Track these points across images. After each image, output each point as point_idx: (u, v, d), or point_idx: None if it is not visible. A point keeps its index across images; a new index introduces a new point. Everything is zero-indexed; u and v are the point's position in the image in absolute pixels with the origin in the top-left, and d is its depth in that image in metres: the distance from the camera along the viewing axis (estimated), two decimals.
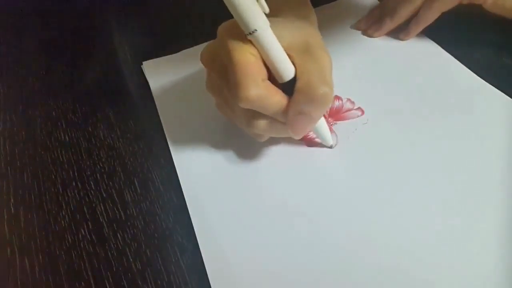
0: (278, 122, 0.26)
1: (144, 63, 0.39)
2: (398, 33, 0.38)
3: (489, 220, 0.25)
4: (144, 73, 0.38)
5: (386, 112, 0.32)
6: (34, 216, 0.29)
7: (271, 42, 0.24)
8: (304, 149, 0.31)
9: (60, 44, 0.44)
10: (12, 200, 0.30)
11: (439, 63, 0.36)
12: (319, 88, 0.23)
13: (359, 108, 0.33)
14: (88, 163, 0.32)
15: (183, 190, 0.29)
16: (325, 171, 0.29)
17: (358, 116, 0.32)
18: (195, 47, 0.39)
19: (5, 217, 0.29)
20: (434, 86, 0.34)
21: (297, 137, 0.27)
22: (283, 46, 0.24)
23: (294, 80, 0.25)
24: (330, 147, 0.30)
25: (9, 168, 0.32)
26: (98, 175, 0.31)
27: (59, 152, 0.33)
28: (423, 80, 0.34)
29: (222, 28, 0.25)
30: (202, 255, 0.25)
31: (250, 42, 0.24)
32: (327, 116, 0.32)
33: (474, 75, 0.34)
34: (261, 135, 0.29)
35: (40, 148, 0.33)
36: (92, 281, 0.25)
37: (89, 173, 0.31)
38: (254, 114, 0.26)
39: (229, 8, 0.23)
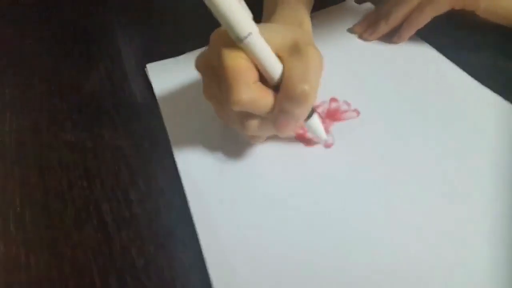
0: (269, 122, 0.26)
1: (148, 65, 0.39)
2: (391, 36, 0.38)
3: (486, 220, 0.25)
4: (148, 75, 0.39)
5: (381, 113, 0.32)
6: (40, 215, 0.29)
7: (261, 47, 0.24)
8: (303, 150, 0.31)
9: (66, 46, 0.44)
10: (18, 200, 0.31)
11: (435, 66, 0.36)
12: (298, 86, 0.24)
13: (355, 110, 0.33)
14: (93, 163, 0.32)
15: (185, 190, 0.29)
16: (323, 170, 0.29)
17: (354, 118, 0.32)
18: (199, 49, 0.39)
19: (11, 215, 0.30)
20: (430, 88, 0.34)
21: (282, 135, 0.28)
22: (273, 48, 0.25)
23: None
24: (325, 142, 0.31)
25: (15, 168, 0.33)
26: (103, 174, 0.31)
27: (64, 152, 0.33)
28: (418, 82, 0.35)
29: (213, 35, 0.26)
30: (203, 253, 0.26)
31: (238, 46, 0.24)
32: (324, 117, 0.33)
33: (470, 78, 0.34)
34: (256, 137, 0.29)
35: (46, 149, 0.34)
36: (96, 278, 0.26)
37: (94, 172, 0.32)
38: (247, 115, 0.26)
39: (217, 18, 0.23)
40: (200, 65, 0.28)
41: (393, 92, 0.34)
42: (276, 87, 0.26)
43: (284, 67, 0.25)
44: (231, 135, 0.32)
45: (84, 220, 0.29)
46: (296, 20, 0.32)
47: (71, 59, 0.43)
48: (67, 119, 0.36)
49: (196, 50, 0.39)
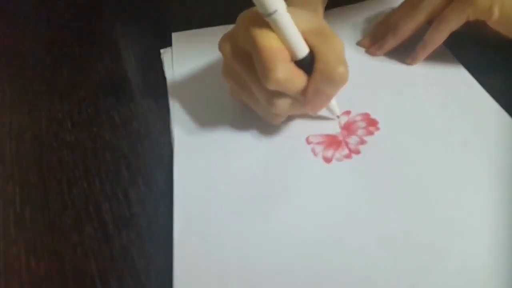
0: (297, 101, 0.28)
1: (162, 50, 0.40)
2: (405, 57, 0.36)
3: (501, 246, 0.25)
4: (162, 61, 0.39)
5: (399, 127, 0.31)
6: (40, 215, 0.29)
7: (288, 22, 0.25)
8: (312, 158, 0.30)
9: (65, 46, 0.44)
10: (18, 200, 0.31)
11: (460, 83, 0.34)
12: (336, 68, 0.26)
13: (372, 122, 0.32)
14: (93, 163, 0.32)
15: (174, 194, 0.29)
16: (330, 181, 0.29)
17: (370, 130, 0.32)
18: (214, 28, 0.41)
19: (11, 216, 0.30)
20: (451, 108, 0.32)
21: (315, 114, 0.30)
22: (299, 29, 0.26)
23: (308, 61, 0.27)
24: (337, 117, 0.32)
25: (15, 168, 0.33)
26: (103, 174, 0.31)
27: (64, 152, 0.33)
28: (438, 100, 0.33)
29: (242, 17, 0.27)
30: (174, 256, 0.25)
31: (270, 28, 0.25)
32: (341, 126, 0.32)
33: (495, 102, 0.32)
34: (278, 117, 0.30)
35: (46, 149, 0.34)
36: (97, 279, 0.26)
37: (94, 172, 0.32)
38: (277, 95, 0.27)
39: None
40: (224, 46, 0.29)
41: (412, 107, 0.33)
42: (297, 65, 0.27)
43: (315, 50, 0.26)
44: (236, 146, 0.31)
45: (84, 220, 0.29)
46: (311, 6, 0.33)
47: (71, 58, 0.43)
48: (67, 119, 0.36)
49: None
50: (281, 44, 0.26)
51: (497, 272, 0.23)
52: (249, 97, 0.30)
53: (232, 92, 0.32)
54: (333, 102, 0.31)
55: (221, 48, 0.29)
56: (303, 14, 0.27)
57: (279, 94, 0.27)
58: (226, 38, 0.29)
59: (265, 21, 0.25)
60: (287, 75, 0.26)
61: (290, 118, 0.32)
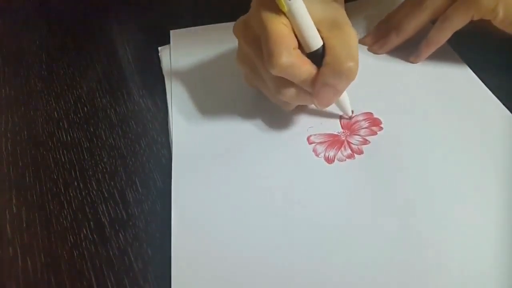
0: (305, 91, 0.28)
1: (160, 48, 0.40)
2: (408, 56, 0.36)
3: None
4: (160, 59, 0.39)
5: (402, 127, 0.31)
6: (36, 216, 0.29)
7: (302, 11, 0.25)
8: (314, 158, 0.30)
9: (61, 45, 0.44)
10: (14, 200, 0.30)
11: (463, 82, 0.34)
12: (345, 63, 0.25)
13: (375, 121, 0.32)
14: (89, 163, 0.32)
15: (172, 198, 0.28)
16: (332, 182, 0.28)
17: (373, 130, 0.31)
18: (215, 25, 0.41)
19: (7, 217, 0.29)
20: (457, 110, 0.32)
21: (322, 108, 0.29)
22: (313, 20, 0.26)
23: (320, 53, 0.26)
24: (349, 118, 0.32)
25: (11, 168, 0.32)
26: (99, 175, 0.31)
27: (60, 152, 0.33)
28: (441, 100, 0.33)
29: (256, 1, 0.27)
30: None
31: (283, 13, 0.25)
32: (343, 126, 0.32)
33: (498, 101, 0.32)
34: (288, 103, 0.30)
35: (42, 148, 0.34)
36: (94, 281, 0.25)
37: (90, 173, 0.31)
38: (284, 82, 0.27)
39: None
40: (238, 29, 0.29)
41: (414, 108, 0.32)
42: (310, 57, 0.27)
43: (327, 43, 0.26)
44: (236, 146, 0.31)
45: (80, 222, 0.28)
46: None
47: (68, 58, 0.42)
48: (63, 118, 0.36)
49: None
50: (289, 29, 0.26)
51: (503, 276, 0.23)
52: (261, 83, 0.30)
53: (247, 78, 0.32)
54: (346, 101, 0.31)
55: (234, 31, 0.29)
56: (319, 4, 0.27)
57: (286, 81, 0.27)
58: (240, 22, 0.29)
59: (279, 7, 0.25)
60: (291, 62, 0.25)
61: (294, 113, 0.32)
